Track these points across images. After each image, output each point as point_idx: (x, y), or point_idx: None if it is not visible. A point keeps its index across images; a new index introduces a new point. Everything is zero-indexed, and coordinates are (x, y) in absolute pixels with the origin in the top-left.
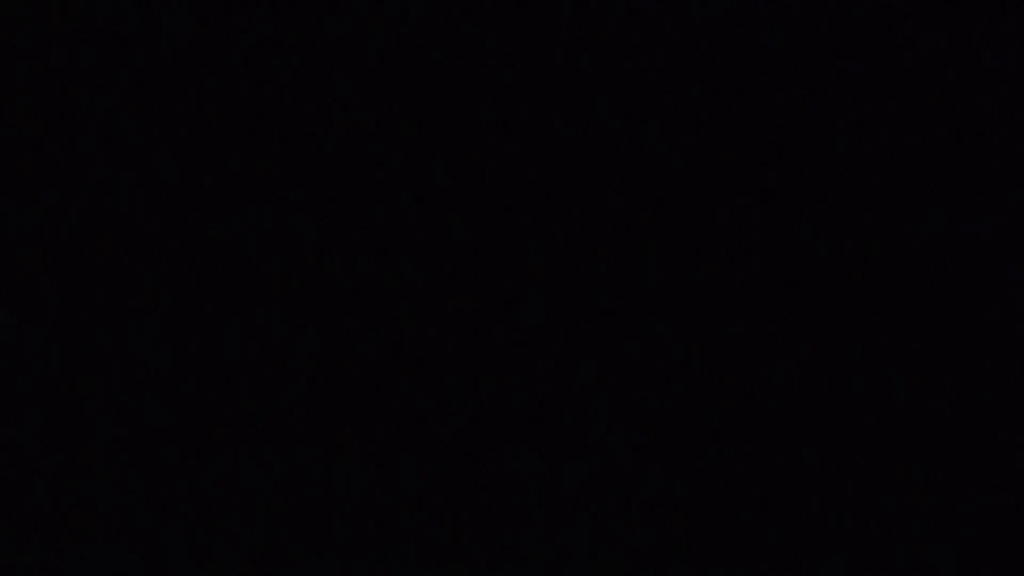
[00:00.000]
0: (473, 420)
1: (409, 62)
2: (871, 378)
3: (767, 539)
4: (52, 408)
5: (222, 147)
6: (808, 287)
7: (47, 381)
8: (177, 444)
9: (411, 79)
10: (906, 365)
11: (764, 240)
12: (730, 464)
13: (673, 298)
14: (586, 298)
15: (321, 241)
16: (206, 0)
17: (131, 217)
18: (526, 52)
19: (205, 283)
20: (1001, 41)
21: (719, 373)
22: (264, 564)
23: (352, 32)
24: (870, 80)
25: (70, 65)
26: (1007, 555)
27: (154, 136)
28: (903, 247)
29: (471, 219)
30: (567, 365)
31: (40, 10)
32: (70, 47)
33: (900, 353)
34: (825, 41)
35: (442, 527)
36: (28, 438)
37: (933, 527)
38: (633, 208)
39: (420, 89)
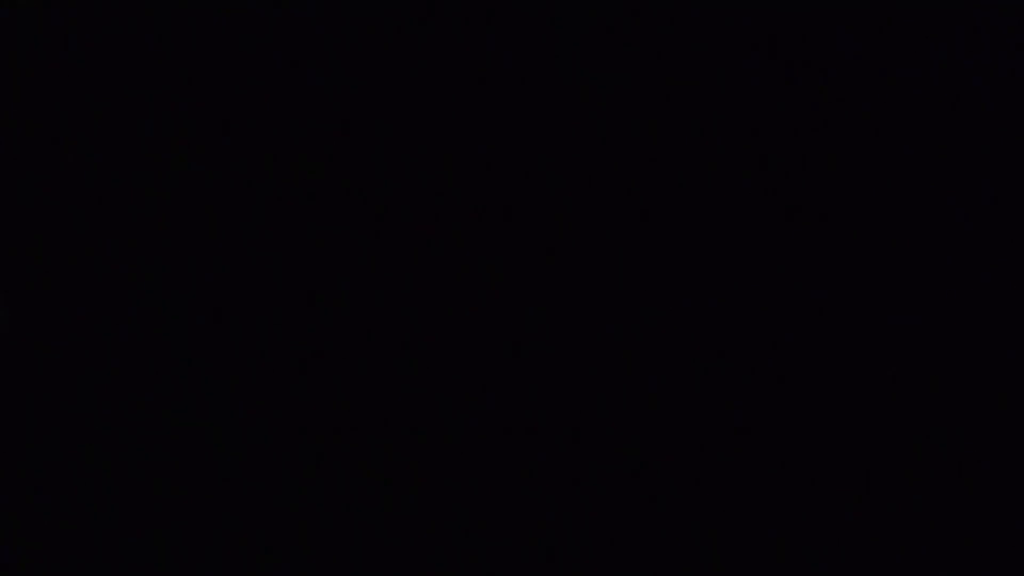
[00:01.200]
0: (472, 420)
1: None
2: (871, 378)
3: (767, 539)
4: (52, 408)
5: (222, 146)
6: (807, 287)
7: (47, 381)
8: (178, 444)
9: (410, 79)
10: (906, 365)
11: (763, 239)
12: (730, 464)
13: (672, 298)
14: (584, 298)
15: (321, 241)
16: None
17: (132, 217)
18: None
19: (206, 283)
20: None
21: (718, 373)
22: (264, 564)
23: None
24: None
25: (70, 64)
26: (1007, 555)
27: (154, 135)
28: (903, 246)
29: (470, 219)
30: (567, 365)
31: (40, 10)
32: (70, 46)
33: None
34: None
35: (442, 527)
36: (28, 438)
37: (933, 527)
38: (632, 207)
39: (419, 89)
